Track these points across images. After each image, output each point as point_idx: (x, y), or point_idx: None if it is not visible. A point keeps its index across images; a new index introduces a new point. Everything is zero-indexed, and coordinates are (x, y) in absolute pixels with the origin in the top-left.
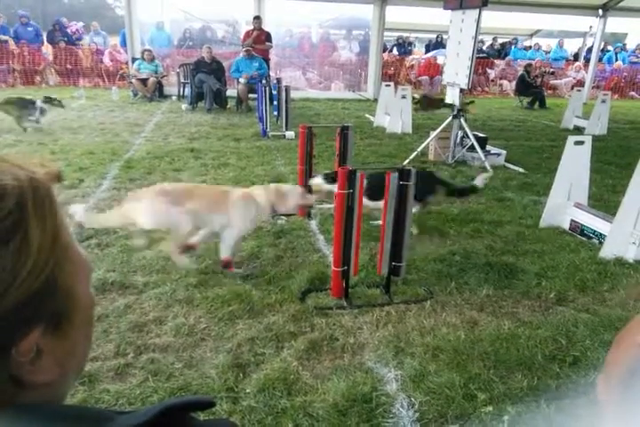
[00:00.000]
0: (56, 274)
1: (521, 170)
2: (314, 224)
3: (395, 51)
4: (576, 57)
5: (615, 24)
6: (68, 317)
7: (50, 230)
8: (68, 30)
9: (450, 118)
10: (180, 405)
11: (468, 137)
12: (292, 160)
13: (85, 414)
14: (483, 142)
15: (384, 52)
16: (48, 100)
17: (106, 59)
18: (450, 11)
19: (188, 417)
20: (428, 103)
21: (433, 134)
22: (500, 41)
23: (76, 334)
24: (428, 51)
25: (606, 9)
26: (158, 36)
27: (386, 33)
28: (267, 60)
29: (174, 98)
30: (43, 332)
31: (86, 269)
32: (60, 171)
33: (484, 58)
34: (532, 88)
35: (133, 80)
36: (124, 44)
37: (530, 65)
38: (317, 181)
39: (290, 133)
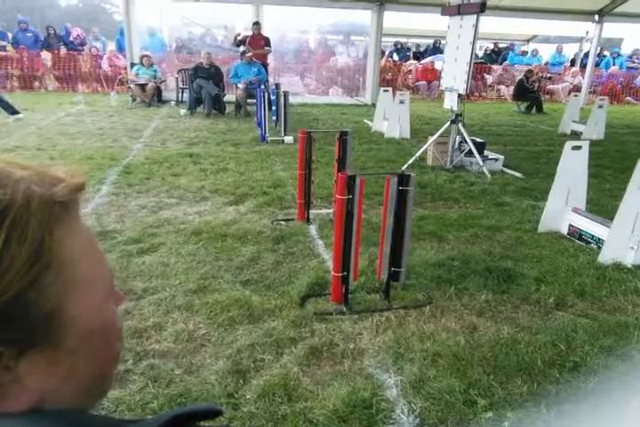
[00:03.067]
0: (30, 295)
1: (519, 175)
2: (313, 229)
3: (392, 55)
4: (573, 62)
5: (611, 29)
6: (51, 339)
7: (28, 250)
8: (71, 37)
9: (448, 123)
10: (189, 413)
11: (466, 142)
12: (290, 165)
13: (93, 423)
14: (481, 147)
15: (382, 57)
16: None
17: (104, 64)
18: (448, 16)
19: (196, 426)
20: None
21: (431, 139)
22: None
23: (71, 357)
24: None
25: (602, 14)
26: (151, 41)
27: (384, 38)
28: (265, 66)
29: (173, 103)
30: (16, 356)
31: (98, 286)
32: (82, 182)
33: (482, 63)
34: (529, 93)
35: (132, 85)
36: (119, 49)
37: (530, 71)
38: None
39: (288, 138)
